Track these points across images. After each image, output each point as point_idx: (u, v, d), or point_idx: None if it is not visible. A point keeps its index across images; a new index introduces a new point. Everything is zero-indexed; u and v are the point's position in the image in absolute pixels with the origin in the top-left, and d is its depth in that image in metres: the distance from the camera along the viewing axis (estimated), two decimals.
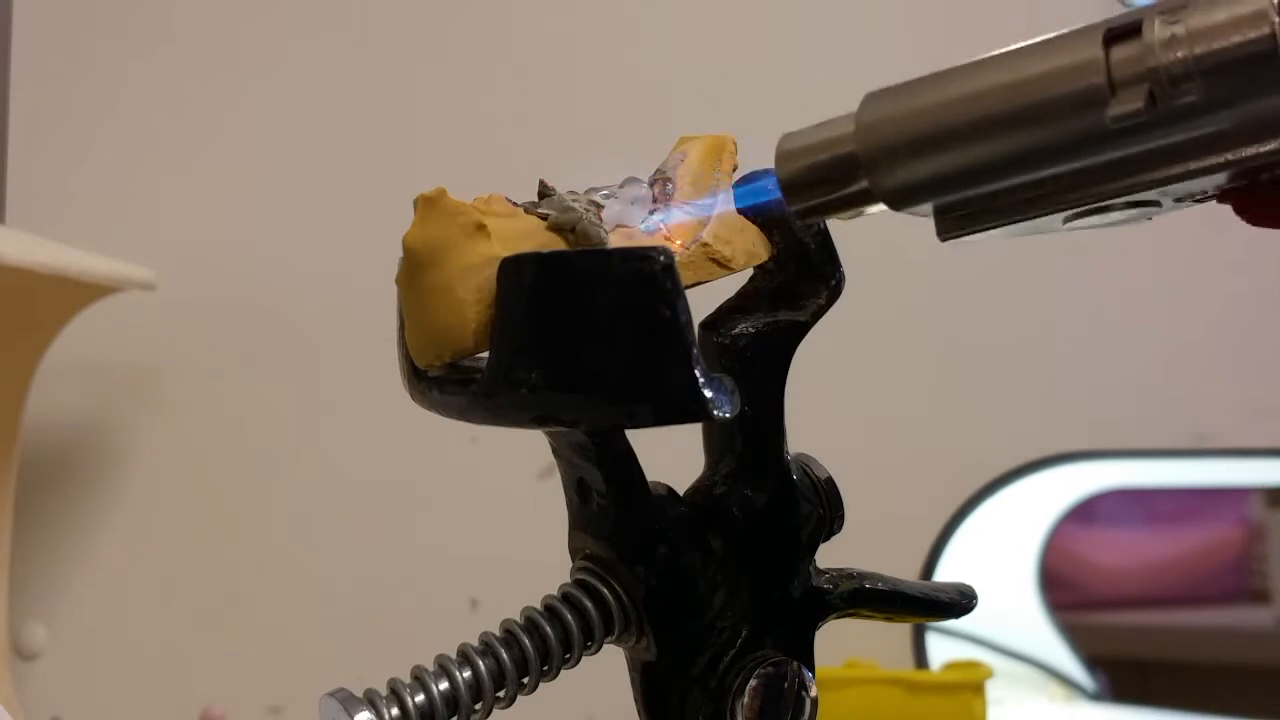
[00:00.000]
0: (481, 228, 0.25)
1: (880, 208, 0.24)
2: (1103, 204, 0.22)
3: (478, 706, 0.26)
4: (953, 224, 0.24)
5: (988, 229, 0.24)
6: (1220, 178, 0.21)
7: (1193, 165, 0.21)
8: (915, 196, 0.23)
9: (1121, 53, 0.20)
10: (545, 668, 0.27)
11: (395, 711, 0.25)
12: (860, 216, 0.25)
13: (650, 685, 0.28)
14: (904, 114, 0.23)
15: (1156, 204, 0.23)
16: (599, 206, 0.27)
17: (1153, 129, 0.20)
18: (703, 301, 0.27)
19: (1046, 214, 0.23)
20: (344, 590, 0.96)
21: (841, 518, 0.30)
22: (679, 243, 0.27)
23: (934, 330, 0.95)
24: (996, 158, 0.22)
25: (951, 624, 0.91)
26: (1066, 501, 0.98)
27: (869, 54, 0.87)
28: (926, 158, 0.23)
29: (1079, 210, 0.23)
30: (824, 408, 0.74)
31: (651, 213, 0.28)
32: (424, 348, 0.26)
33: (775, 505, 0.29)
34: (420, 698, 0.25)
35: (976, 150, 0.22)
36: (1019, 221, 0.23)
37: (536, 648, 0.26)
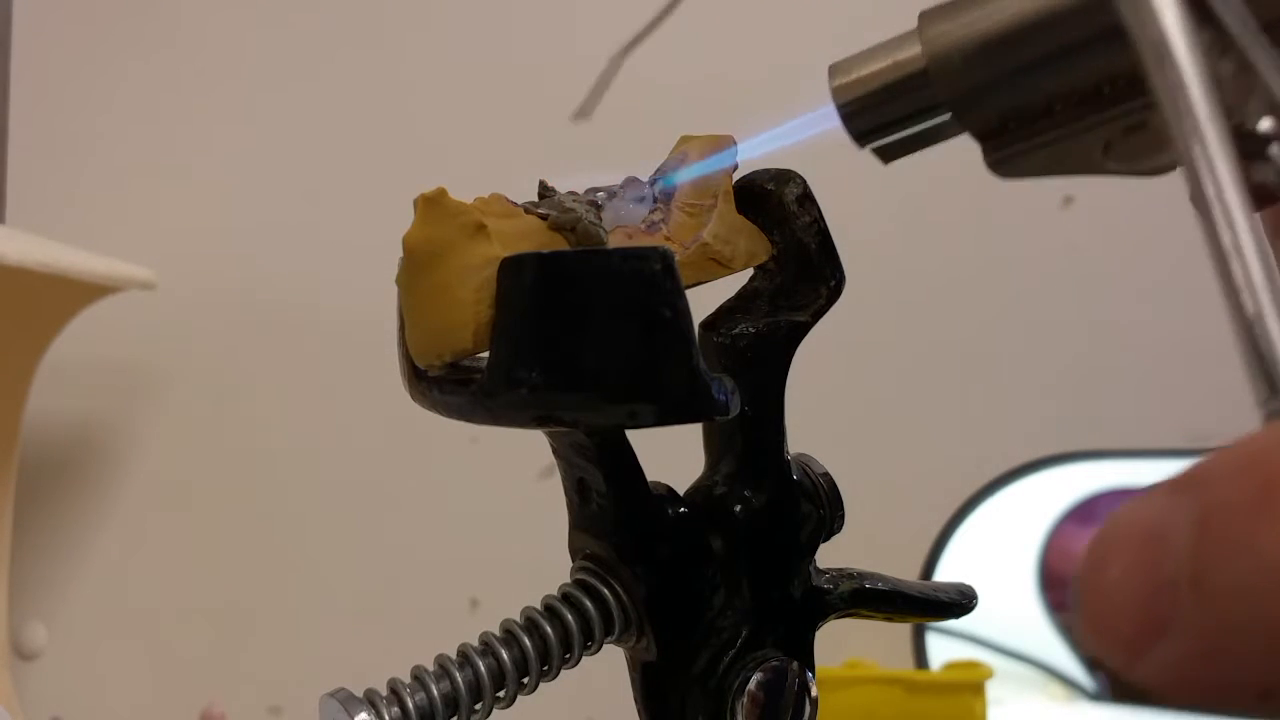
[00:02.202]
0: (481, 228, 0.25)
1: (942, 119, 0.25)
2: (1140, 117, 0.22)
3: (478, 706, 0.26)
4: (1001, 146, 0.24)
5: (1035, 149, 0.24)
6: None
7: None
8: (981, 100, 0.24)
9: None
10: (545, 668, 0.27)
11: (395, 711, 0.25)
12: (910, 147, 0.26)
13: (650, 685, 0.28)
14: (969, 19, 0.24)
15: None
16: (599, 206, 0.27)
17: None
18: (703, 301, 0.27)
19: (1090, 129, 0.23)
20: (344, 590, 0.96)
21: (841, 518, 0.30)
22: (679, 243, 0.27)
23: (934, 331, 0.95)
24: (1057, 50, 0.23)
25: (951, 624, 0.91)
26: (1066, 501, 0.98)
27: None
28: (993, 58, 0.23)
29: (1118, 127, 0.23)
30: (824, 408, 0.74)
31: (651, 213, 0.28)
32: (424, 348, 0.26)
33: (775, 505, 0.29)
34: (420, 698, 0.25)
35: (1039, 43, 0.23)
36: (1064, 140, 0.23)
37: (536, 648, 0.26)
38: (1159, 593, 0.14)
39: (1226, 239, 0.16)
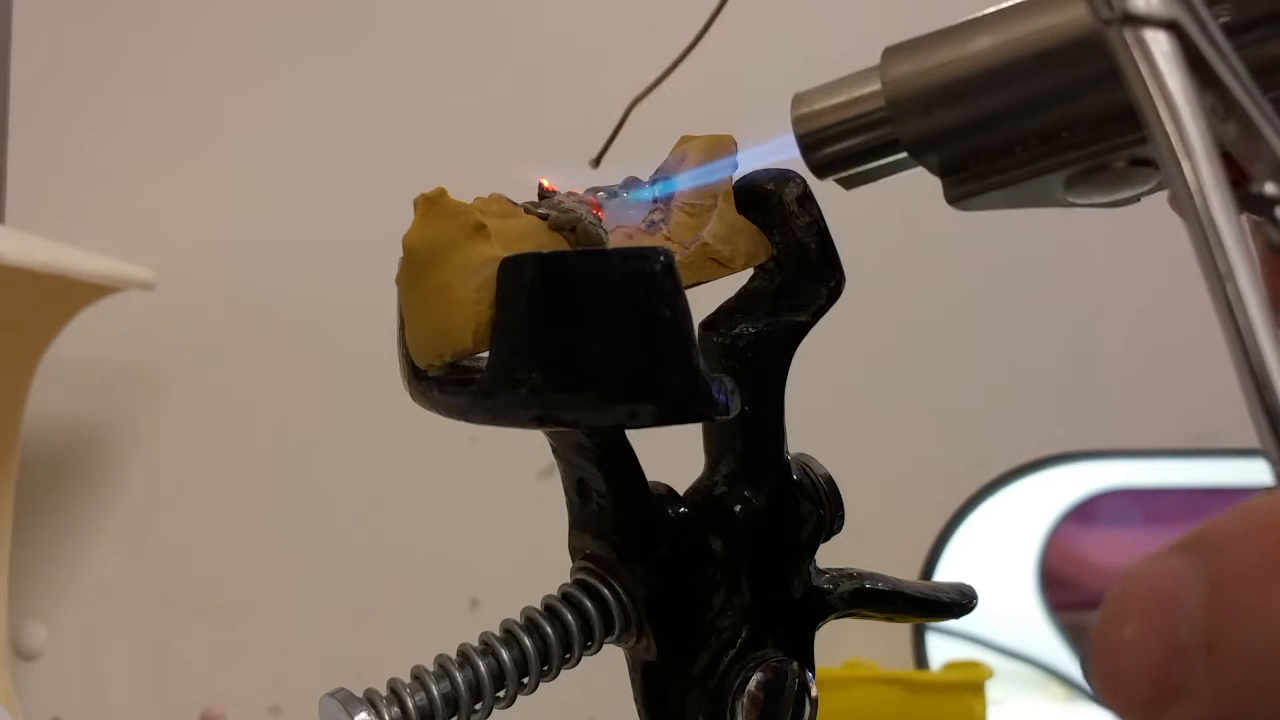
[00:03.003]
0: (481, 228, 0.25)
1: (899, 156, 0.25)
2: (1101, 160, 0.23)
3: (478, 706, 0.26)
4: (960, 182, 0.24)
5: (994, 188, 0.24)
6: None
7: None
8: (939, 142, 0.24)
9: None
10: (545, 668, 0.27)
11: (395, 711, 0.25)
12: (869, 178, 0.26)
13: (650, 685, 0.28)
14: (930, 63, 0.24)
15: (1153, 165, 0.23)
16: (599, 206, 0.27)
17: None
18: (703, 301, 0.27)
19: (1050, 170, 0.23)
20: (344, 590, 0.96)
21: (841, 517, 0.30)
22: (679, 243, 0.27)
23: (934, 331, 0.95)
24: (1016, 98, 0.23)
25: (951, 624, 0.91)
26: (1066, 501, 0.98)
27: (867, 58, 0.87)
28: (953, 103, 0.23)
29: (1078, 168, 0.23)
30: (824, 408, 0.74)
31: (651, 213, 0.28)
32: (424, 348, 0.26)
33: (775, 505, 0.29)
34: (420, 698, 0.25)
35: (998, 93, 0.23)
36: (1024, 179, 0.23)
37: (536, 648, 0.26)
38: (1172, 657, 0.14)
39: (1234, 300, 0.16)
